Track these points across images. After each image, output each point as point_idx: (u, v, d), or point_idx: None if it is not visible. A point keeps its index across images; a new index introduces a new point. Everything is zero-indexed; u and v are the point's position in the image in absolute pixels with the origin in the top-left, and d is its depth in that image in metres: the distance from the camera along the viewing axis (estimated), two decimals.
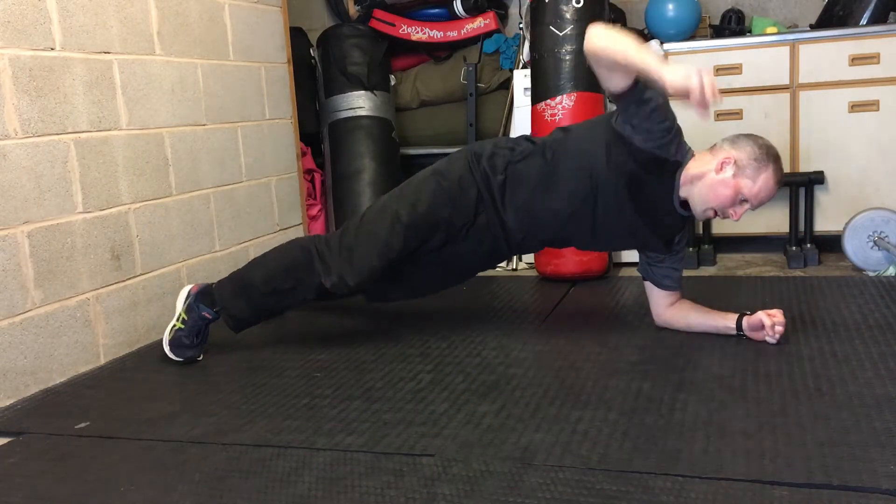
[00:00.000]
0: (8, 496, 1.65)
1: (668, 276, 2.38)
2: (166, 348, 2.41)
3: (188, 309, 2.41)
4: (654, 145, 2.15)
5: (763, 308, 2.29)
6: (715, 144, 2.23)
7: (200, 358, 2.44)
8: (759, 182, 2.13)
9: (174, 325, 2.42)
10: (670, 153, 2.18)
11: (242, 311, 2.39)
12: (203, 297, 2.41)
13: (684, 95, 1.87)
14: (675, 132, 2.18)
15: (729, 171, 2.14)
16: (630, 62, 1.97)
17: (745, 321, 2.27)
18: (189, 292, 2.44)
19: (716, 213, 2.20)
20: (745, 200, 2.15)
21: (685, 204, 2.23)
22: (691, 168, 2.19)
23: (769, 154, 2.15)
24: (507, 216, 2.31)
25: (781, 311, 2.25)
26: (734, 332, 2.29)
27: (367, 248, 2.30)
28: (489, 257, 2.47)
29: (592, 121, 2.42)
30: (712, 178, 2.15)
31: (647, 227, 2.27)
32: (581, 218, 2.28)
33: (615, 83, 2.07)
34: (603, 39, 2.02)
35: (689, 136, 2.75)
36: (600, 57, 2.03)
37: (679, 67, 1.90)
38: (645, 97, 2.08)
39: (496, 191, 2.29)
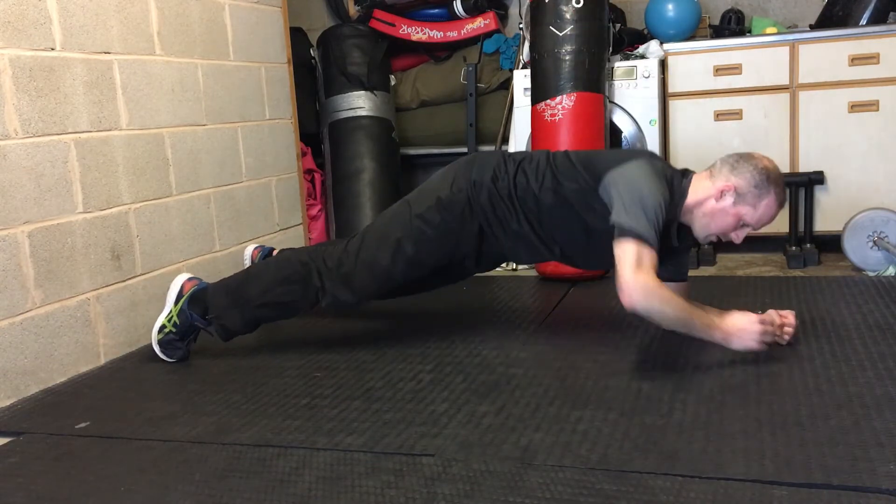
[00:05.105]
0: (8, 496, 1.65)
1: (677, 269, 2.35)
2: (156, 348, 2.42)
3: (180, 312, 2.38)
4: None
5: (765, 307, 2.28)
6: (714, 165, 2.17)
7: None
8: (760, 209, 2.10)
9: (164, 326, 2.40)
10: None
11: (235, 322, 2.37)
12: (195, 303, 2.37)
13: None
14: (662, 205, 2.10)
15: (729, 199, 2.09)
16: (694, 334, 2.10)
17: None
18: (181, 289, 2.41)
19: (718, 238, 2.20)
20: (746, 225, 2.14)
21: (683, 227, 2.21)
22: (691, 193, 2.15)
23: (770, 178, 2.09)
24: (507, 244, 2.32)
25: (793, 312, 2.23)
26: None
27: (367, 276, 2.32)
28: (489, 267, 2.50)
29: (586, 160, 2.27)
30: (712, 206, 2.12)
31: None
32: (575, 247, 2.31)
33: None
34: (671, 323, 2.09)
35: (689, 136, 2.76)
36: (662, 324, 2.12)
37: (742, 338, 2.06)
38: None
39: (495, 227, 2.28)
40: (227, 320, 2.37)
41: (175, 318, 2.39)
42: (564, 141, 3.06)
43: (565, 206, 2.22)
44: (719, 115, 3.39)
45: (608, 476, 1.54)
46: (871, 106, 3.25)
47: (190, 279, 2.46)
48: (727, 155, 2.18)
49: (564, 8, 3.08)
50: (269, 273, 2.40)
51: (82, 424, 2.01)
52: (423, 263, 2.32)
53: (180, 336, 2.41)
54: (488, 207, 2.27)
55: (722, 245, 3.55)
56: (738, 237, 2.17)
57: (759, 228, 2.18)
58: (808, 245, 3.32)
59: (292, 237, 3.47)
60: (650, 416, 1.81)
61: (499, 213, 2.27)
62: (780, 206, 2.14)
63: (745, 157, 2.13)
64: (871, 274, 3.04)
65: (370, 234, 2.38)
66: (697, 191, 2.15)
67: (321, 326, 2.76)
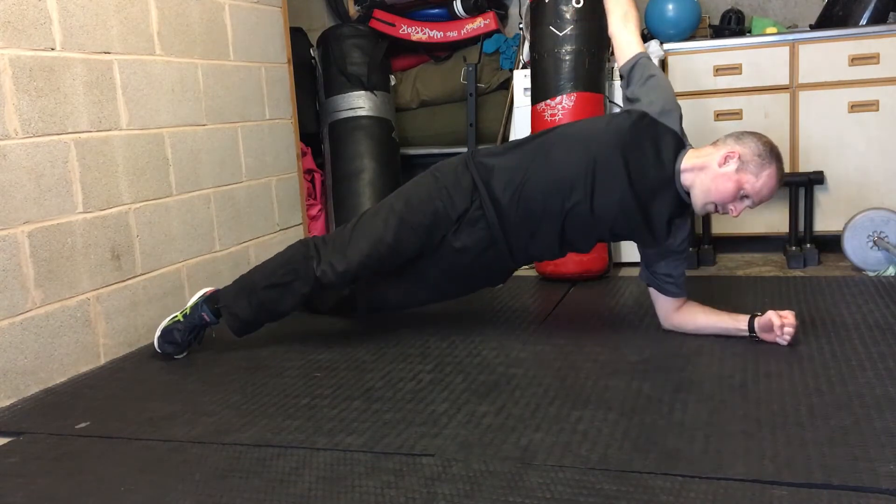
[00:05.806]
0: (8, 496, 1.65)
1: (672, 281, 2.34)
2: (157, 333, 2.47)
3: (194, 306, 2.46)
4: (654, 111, 2.26)
5: (764, 308, 2.28)
6: (718, 139, 2.25)
7: (181, 356, 2.48)
8: (761, 178, 2.14)
9: (175, 317, 2.48)
10: (670, 121, 2.25)
11: (243, 309, 2.42)
12: (210, 300, 2.47)
13: None
14: (673, 103, 2.29)
15: (732, 166, 2.15)
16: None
17: (757, 322, 2.24)
18: (204, 293, 2.51)
19: (716, 208, 2.20)
20: (746, 196, 2.17)
21: (687, 194, 2.24)
22: (693, 156, 2.22)
23: (772, 152, 2.17)
24: (502, 201, 2.29)
25: (793, 312, 2.23)
26: (746, 333, 2.27)
27: (359, 239, 2.37)
28: (490, 264, 2.44)
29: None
30: (715, 170, 2.17)
31: (641, 202, 2.24)
32: (577, 191, 2.24)
33: (616, 54, 2.45)
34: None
35: (689, 137, 2.75)
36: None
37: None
38: (639, 65, 2.34)
39: (492, 178, 2.31)
40: (235, 308, 2.42)
41: (188, 310, 2.47)
42: None
43: (572, 131, 2.36)
44: (719, 115, 3.39)
45: (608, 476, 1.54)
46: (871, 106, 3.25)
47: (213, 289, 2.55)
48: (731, 131, 2.29)
49: (564, 8, 3.08)
50: (273, 260, 2.49)
51: (82, 424, 2.01)
52: (413, 225, 2.33)
53: (183, 327, 2.45)
54: (483, 156, 2.37)
55: (722, 245, 3.57)
56: (735, 209, 2.19)
57: (756, 204, 2.21)
58: (808, 245, 3.32)
59: (292, 237, 3.47)
60: (650, 416, 1.81)
61: (491, 163, 2.34)
62: (780, 182, 2.19)
63: (748, 132, 2.25)
64: (871, 274, 3.04)
65: (366, 211, 2.51)
66: (702, 154, 2.22)
67: (321, 326, 2.76)
